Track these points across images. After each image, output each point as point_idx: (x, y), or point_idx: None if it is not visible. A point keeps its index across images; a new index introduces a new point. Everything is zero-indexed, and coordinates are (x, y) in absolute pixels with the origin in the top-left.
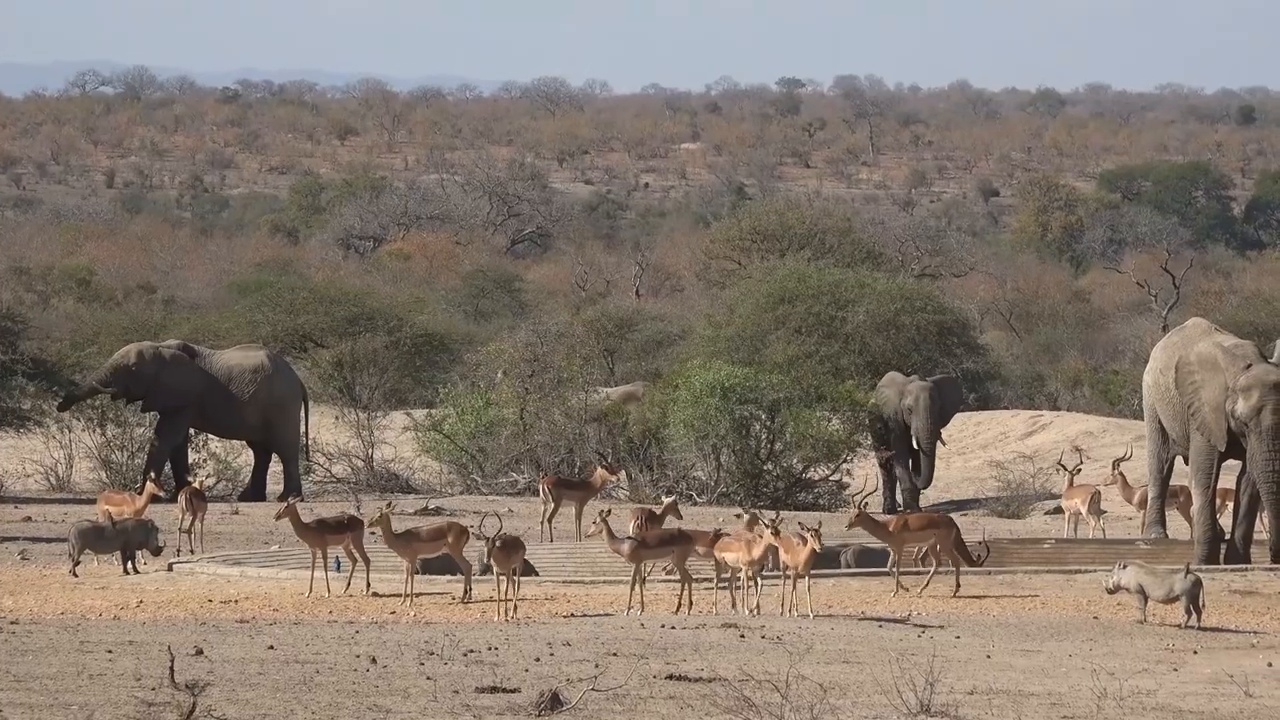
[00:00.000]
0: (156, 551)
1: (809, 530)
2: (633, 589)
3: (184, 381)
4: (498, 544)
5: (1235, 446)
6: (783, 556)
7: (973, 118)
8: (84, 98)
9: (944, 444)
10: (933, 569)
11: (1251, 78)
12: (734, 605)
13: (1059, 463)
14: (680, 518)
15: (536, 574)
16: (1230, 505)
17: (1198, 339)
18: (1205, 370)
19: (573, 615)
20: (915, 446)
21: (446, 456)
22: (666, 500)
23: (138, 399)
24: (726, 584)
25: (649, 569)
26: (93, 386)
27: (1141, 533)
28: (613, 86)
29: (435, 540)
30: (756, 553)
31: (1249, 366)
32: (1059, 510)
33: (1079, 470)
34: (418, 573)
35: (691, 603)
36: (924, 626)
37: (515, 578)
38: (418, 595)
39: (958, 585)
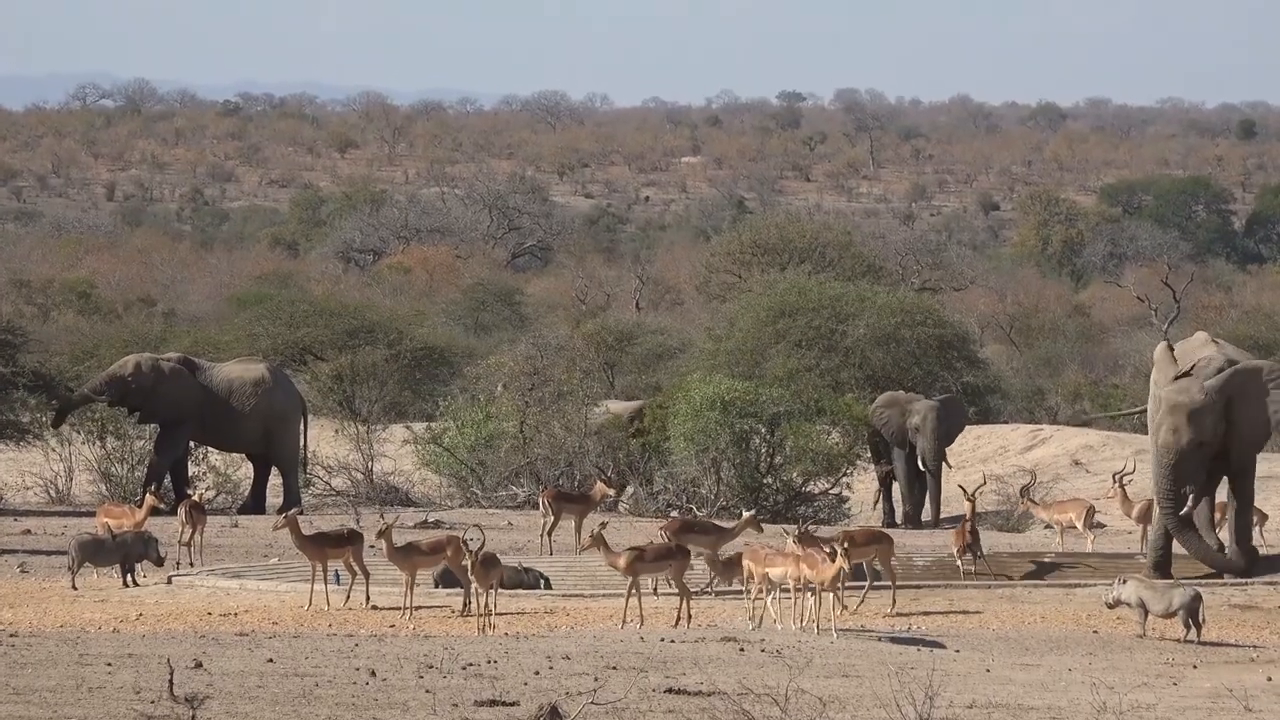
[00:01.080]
0: (159, 562)
1: (840, 546)
2: (627, 602)
3: (181, 395)
4: (478, 559)
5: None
6: (807, 572)
7: (973, 131)
8: (84, 110)
9: (949, 466)
10: (868, 584)
11: (1252, 92)
12: (760, 618)
13: (1020, 495)
14: (760, 530)
15: (550, 586)
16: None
17: (1193, 347)
18: (1156, 373)
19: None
20: (921, 467)
21: (446, 469)
22: (746, 514)
23: (134, 410)
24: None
25: (652, 583)
26: (85, 395)
27: (1141, 546)
28: (613, 100)
29: (435, 554)
30: (830, 573)
31: (1176, 379)
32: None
33: (1032, 486)
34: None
35: (690, 616)
36: (924, 641)
37: (495, 593)
38: (417, 608)
39: (893, 602)
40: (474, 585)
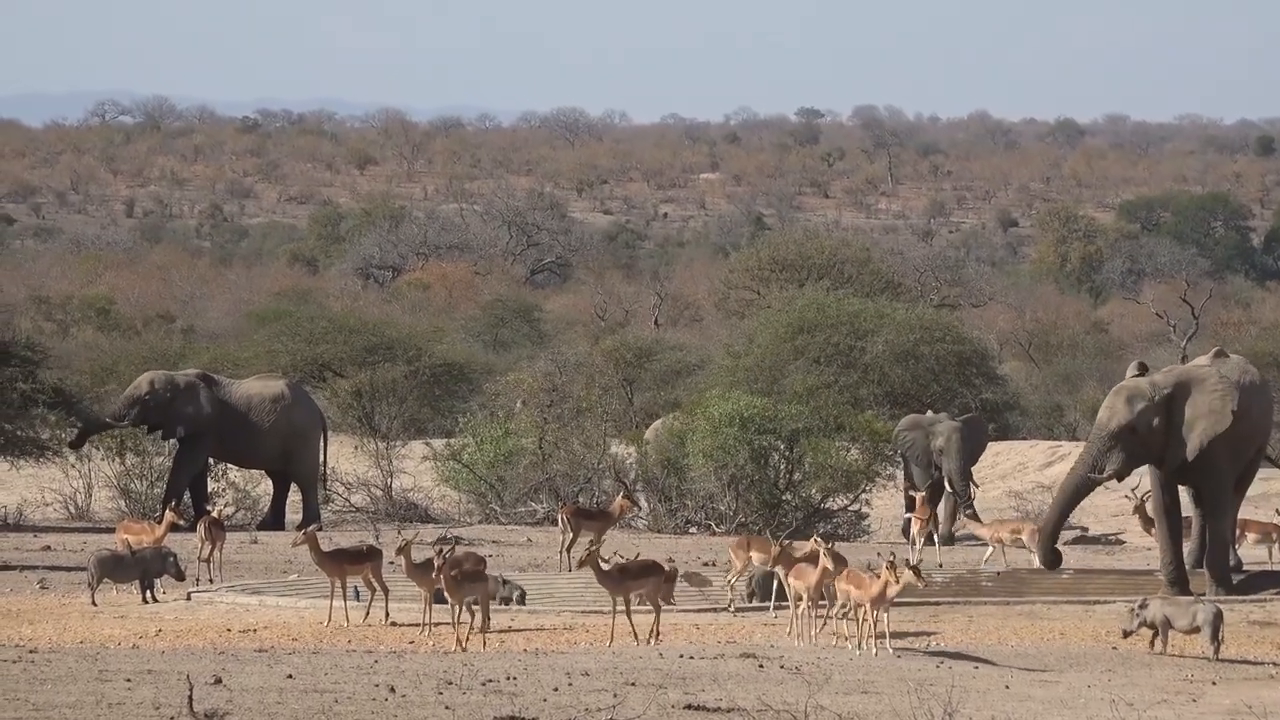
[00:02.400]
0: (180, 576)
1: (907, 566)
2: (614, 618)
3: (199, 407)
4: (453, 573)
5: (1180, 472)
6: (852, 591)
7: (992, 148)
8: (103, 127)
9: (977, 486)
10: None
11: (1270, 108)
12: (855, 640)
13: (961, 512)
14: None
15: (524, 601)
16: (1249, 535)
17: (1200, 361)
18: None
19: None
20: (947, 487)
21: (465, 486)
22: (814, 540)
23: (156, 427)
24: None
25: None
26: (105, 422)
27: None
28: (631, 116)
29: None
30: (875, 590)
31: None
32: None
33: (971, 501)
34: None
35: (658, 633)
36: (942, 656)
37: (473, 608)
38: (436, 625)
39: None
40: (448, 599)
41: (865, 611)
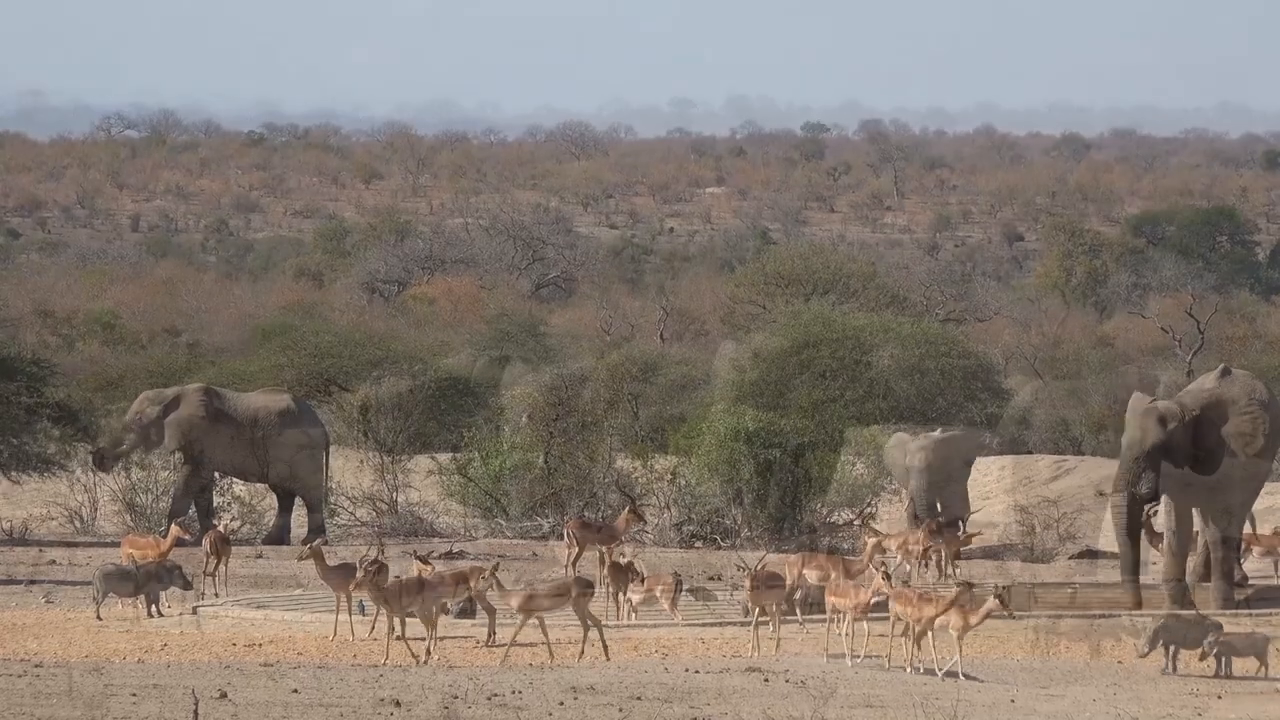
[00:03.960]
0: (188, 586)
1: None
2: (513, 638)
3: (190, 411)
4: (399, 590)
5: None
6: (897, 607)
7: (997, 162)
8: (109, 141)
9: (939, 511)
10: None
11: (1277, 123)
12: (914, 661)
13: (865, 524)
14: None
15: (473, 615)
16: (1254, 549)
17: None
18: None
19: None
20: (911, 510)
21: (471, 500)
22: (871, 541)
23: (157, 441)
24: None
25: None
26: (118, 453)
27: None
28: (637, 131)
29: (459, 585)
30: (929, 610)
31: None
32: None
33: (873, 516)
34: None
35: (584, 651)
36: (950, 672)
37: (430, 618)
38: (441, 639)
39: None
40: (387, 610)
41: (916, 630)
